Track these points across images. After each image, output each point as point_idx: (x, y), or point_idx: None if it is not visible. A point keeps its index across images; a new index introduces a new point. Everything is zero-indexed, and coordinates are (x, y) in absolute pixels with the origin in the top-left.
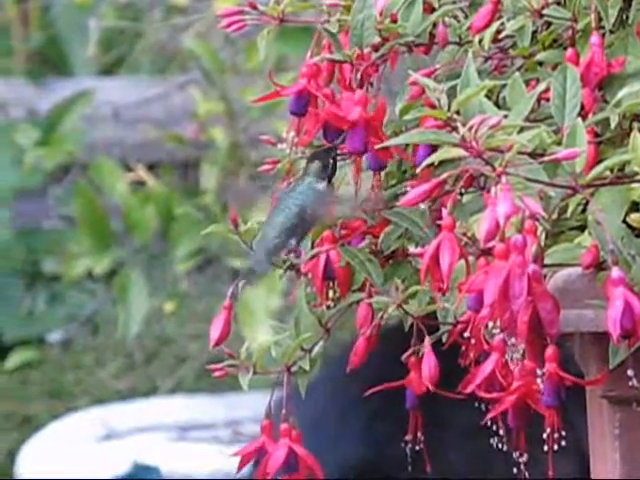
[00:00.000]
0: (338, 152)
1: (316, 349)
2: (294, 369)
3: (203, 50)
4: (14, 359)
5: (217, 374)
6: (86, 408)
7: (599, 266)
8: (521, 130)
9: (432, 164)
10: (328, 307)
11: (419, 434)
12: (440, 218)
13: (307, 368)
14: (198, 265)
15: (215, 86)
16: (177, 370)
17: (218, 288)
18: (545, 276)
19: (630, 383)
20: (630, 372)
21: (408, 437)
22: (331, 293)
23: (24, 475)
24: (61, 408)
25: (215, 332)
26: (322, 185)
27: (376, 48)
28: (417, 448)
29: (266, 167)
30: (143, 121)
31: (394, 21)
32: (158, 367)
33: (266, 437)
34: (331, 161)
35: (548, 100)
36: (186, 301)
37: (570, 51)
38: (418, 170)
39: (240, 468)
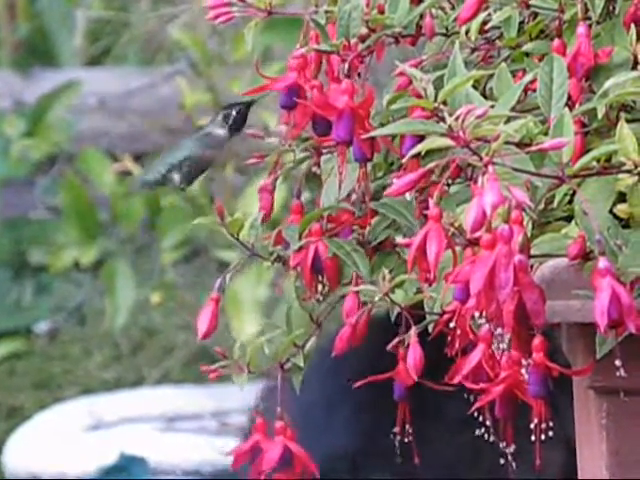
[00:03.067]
0: (248, 108)
1: (309, 344)
2: (287, 366)
3: (190, 41)
4: (1, 350)
5: (211, 376)
6: (73, 398)
7: (586, 256)
8: (508, 120)
9: (419, 154)
10: (318, 300)
11: (407, 425)
12: (427, 209)
13: (301, 364)
14: (185, 256)
15: (202, 77)
16: (164, 361)
17: (205, 279)
18: (532, 266)
19: (617, 373)
20: (618, 362)
21: (396, 428)
22: (320, 287)
23: (11, 465)
24: (48, 398)
25: (202, 325)
26: (221, 131)
27: (363, 39)
28: (405, 440)
29: (254, 160)
30: (130, 112)
31: (381, 12)
32: (145, 357)
33: (260, 435)
34: (234, 113)
35: (535, 91)
36: (173, 292)
37: (557, 42)
38: (404, 160)
39: (235, 466)
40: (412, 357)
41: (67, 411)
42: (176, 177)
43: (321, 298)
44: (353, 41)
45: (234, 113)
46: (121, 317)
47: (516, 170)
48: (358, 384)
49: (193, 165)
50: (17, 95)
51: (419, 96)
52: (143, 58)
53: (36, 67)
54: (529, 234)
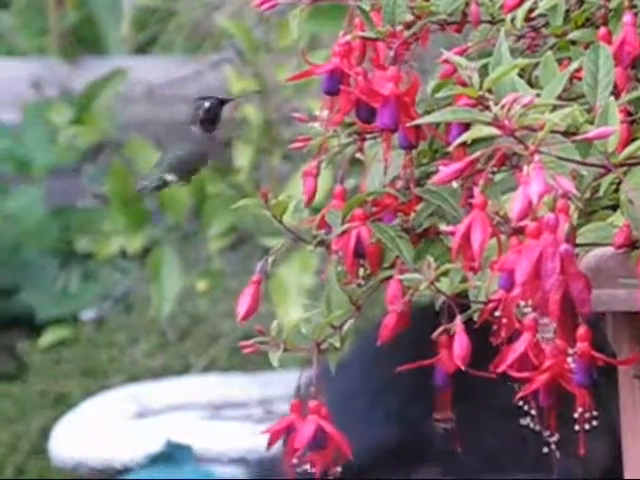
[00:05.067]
0: (221, 105)
1: (346, 326)
2: (324, 346)
3: (236, 29)
4: (48, 337)
5: (247, 351)
6: (119, 386)
7: (632, 245)
8: (554, 109)
9: (464, 143)
10: (359, 285)
11: (450, 413)
12: (472, 197)
13: (337, 345)
14: (231, 243)
15: (248, 64)
16: (210, 348)
17: (251, 266)
18: (577, 255)
19: None
20: None
21: (439, 416)
22: (362, 271)
23: (57, 452)
24: (94, 386)
25: (242, 307)
26: (197, 129)
27: (408, 26)
28: (449, 427)
29: (298, 145)
30: (176, 100)
31: None
32: (191, 345)
33: (295, 415)
34: (206, 107)
35: (580, 79)
36: (219, 279)
37: (603, 30)
38: (450, 148)
39: (270, 445)
40: (459, 346)
41: (113, 399)
42: (170, 178)
43: (362, 282)
44: (398, 28)
45: (206, 107)
46: (167, 305)
47: (562, 159)
48: (400, 369)
49: (186, 164)
50: (64, 83)
51: (464, 84)
52: (189, 46)
53: (83, 55)
54: (575, 223)
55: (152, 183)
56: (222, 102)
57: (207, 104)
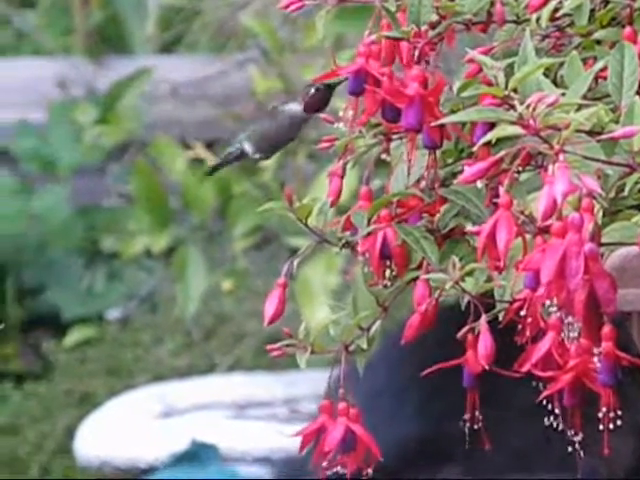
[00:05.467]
0: (330, 90)
1: (374, 328)
2: (352, 348)
3: (262, 28)
4: (73, 336)
5: (275, 354)
6: (144, 385)
7: None
8: (579, 108)
9: (489, 142)
10: (385, 286)
11: (476, 413)
12: (497, 196)
13: (365, 347)
14: (256, 243)
15: (273, 64)
16: (235, 348)
17: (276, 266)
18: (602, 255)
19: None
20: None
21: (466, 416)
22: (388, 272)
23: (82, 452)
24: (119, 385)
25: (269, 310)
26: (298, 109)
27: (433, 26)
28: (475, 427)
29: (324, 145)
30: (202, 99)
31: None
32: (216, 345)
33: (326, 417)
34: (313, 92)
35: (606, 78)
36: (244, 279)
37: (628, 29)
38: (475, 148)
39: (302, 449)
40: (483, 345)
41: (138, 398)
42: (247, 147)
43: (388, 283)
44: (424, 28)
45: (313, 92)
46: (192, 304)
47: (587, 158)
48: (426, 372)
49: (267, 138)
50: (90, 82)
51: (489, 84)
52: (215, 45)
53: (109, 54)
54: (600, 222)
55: (234, 152)
56: (331, 87)
57: (316, 90)
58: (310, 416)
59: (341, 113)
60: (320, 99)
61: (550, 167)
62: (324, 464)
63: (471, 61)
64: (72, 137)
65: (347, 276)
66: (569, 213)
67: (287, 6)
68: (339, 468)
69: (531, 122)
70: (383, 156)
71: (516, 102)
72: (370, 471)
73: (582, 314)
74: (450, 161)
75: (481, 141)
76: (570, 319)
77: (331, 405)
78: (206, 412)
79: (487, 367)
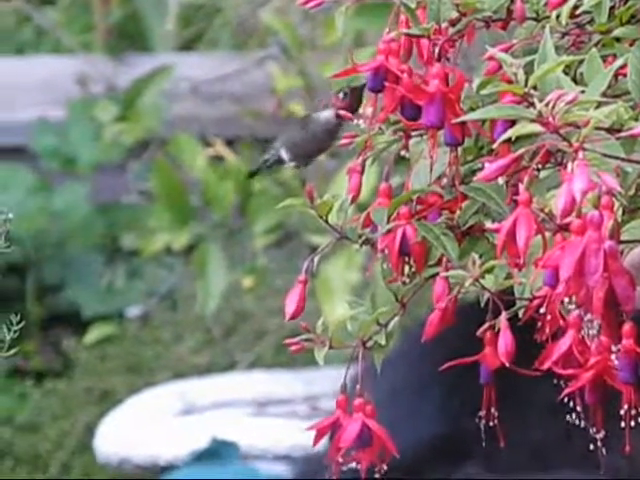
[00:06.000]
0: (360, 90)
1: (392, 324)
2: (370, 344)
3: (282, 26)
4: (93, 334)
5: (293, 348)
6: (165, 383)
7: None
8: (598, 106)
9: (509, 139)
10: (404, 283)
11: (493, 410)
12: (517, 194)
13: (383, 343)
14: (277, 240)
15: (294, 61)
16: (255, 345)
17: (297, 264)
18: (621, 252)
19: None
20: None
21: (482, 413)
22: (407, 269)
23: (102, 449)
24: (140, 383)
25: (290, 306)
26: (330, 115)
27: (453, 23)
28: (494, 425)
29: (344, 142)
30: (222, 97)
31: None
32: (236, 342)
33: (341, 412)
34: (342, 95)
35: (625, 76)
36: (265, 276)
37: None
38: (495, 145)
39: (315, 442)
40: (503, 343)
41: (159, 395)
42: (285, 156)
43: (407, 280)
44: (444, 25)
45: (342, 97)
46: (212, 302)
47: (606, 156)
48: (444, 367)
49: (302, 147)
50: (110, 80)
51: (509, 81)
52: (235, 43)
53: (129, 52)
54: (619, 220)
55: (270, 159)
56: (362, 88)
57: (343, 94)
58: (330, 413)
59: (361, 110)
60: (351, 102)
61: (569, 165)
62: (339, 459)
63: (491, 58)
64: (92, 135)
65: (367, 273)
66: (588, 211)
67: (307, 3)
68: (355, 464)
69: (550, 120)
70: (402, 153)
71: (535, 100)
72: (385, 467)
73: (601, 312)
74: (470, 158)
75: (501, 138)
76: (589, 316)
77: (347, 400)
78: (226, 410)
79: (507, 364)
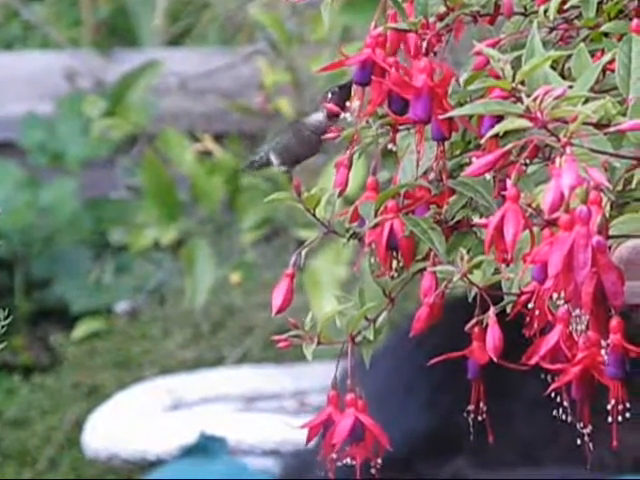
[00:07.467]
0: (348, 87)
1: (380, 319)
2: (358, 339)
3: (270, 21)
4: (82, 329)
5: (281, 345)
6: (153, 378)
7: None
8: (586, 101)
9: (497, 135)
10: (392, 277)
11: (482, 405)
12: (505, 189)
13: (371, 338)
14: (265, 235)
15: (281, 57)
16: (244, 340)
17: (285, 259)
18: (610, 247)
19: None
20: None
21: (470, 407)
22: (395, 263)
23: (91, 444)
24: (128, 378)
25: (277, 300)
26: (319, 118)
27: (441, 18)
28: (483, 420)
29: (331, 135)
30: (210, 92)
31: None
32: (224, 337)
33: (333, 408)
34: (330, 95)
35: (613, 71)
36: (253, 271)
37: (636, 22)
38: (483, 141)
39: (309, 440)
40: (491, 337)
41: (147, 391)
42: (274, 160)
43: (395, 275)
44: (431, 20)
45: (330, 96)
46: (201, 297)
47: (594, 151)
48: (433, 362)
49: (290, 152)
50: (98, 75)
51: (497, 76)
52: (223, 38)
53: (117, 47)
54: (607, 215)
55: (259, 160)
56: (349, 86)
57: (330, 93)
58: (318, 409)
59: (348, 104)
60: (339, 100)
61: (557, 160)
62: (333, 455)
63: (478, 53)
64: (80, 130)
65: (355, 267)
66: (577, 206)
67: None
68: (348, 460)
69: (538, 115)
70: (390, 146)
71: (523, 95)
72: (379, 461)
73: (590, 307)
74: (457, 153)
75: (489, 133)
76: (578, 312)
77: (338, 396)
78: (214, 405)
79: (495, 359)
